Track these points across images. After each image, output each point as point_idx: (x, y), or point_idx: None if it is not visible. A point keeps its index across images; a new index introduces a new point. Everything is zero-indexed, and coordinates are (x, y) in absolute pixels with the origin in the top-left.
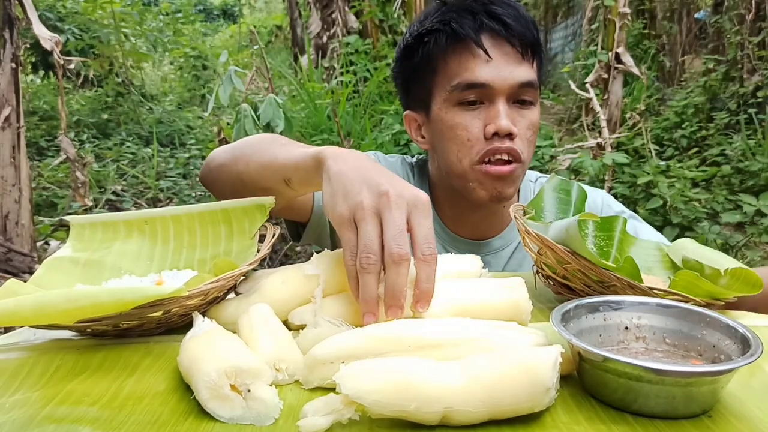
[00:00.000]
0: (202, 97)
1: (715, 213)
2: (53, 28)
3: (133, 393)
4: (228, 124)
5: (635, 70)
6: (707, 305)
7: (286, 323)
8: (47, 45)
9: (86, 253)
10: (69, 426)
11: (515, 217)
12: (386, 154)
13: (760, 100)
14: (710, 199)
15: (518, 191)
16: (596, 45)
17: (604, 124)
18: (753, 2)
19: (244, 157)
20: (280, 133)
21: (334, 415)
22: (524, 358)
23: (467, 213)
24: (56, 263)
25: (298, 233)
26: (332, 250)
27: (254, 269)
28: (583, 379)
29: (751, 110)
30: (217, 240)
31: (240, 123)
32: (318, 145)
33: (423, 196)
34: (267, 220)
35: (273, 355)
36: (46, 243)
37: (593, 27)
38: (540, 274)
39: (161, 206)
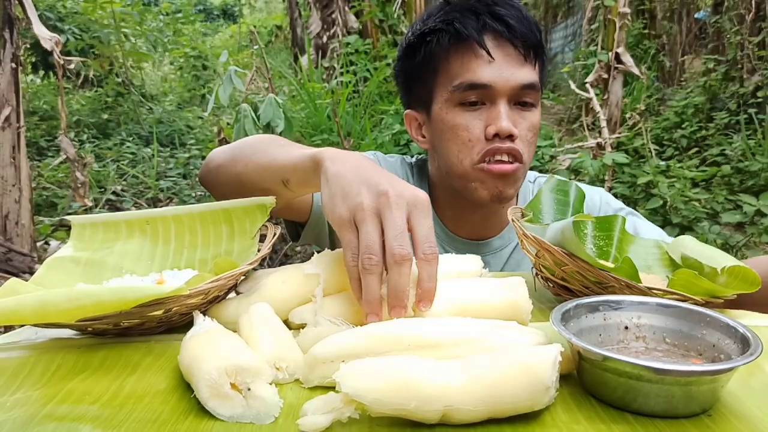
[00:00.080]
0: (202, 97)
1: (715, 213)
2: (53, 28)
3: (134, 392)
4: (228, 124)
5: (635, 70)
6: (706, 304)
7: (286, 322)
8: (47, 45)
9: (87, 253)
10: (70, 424)
11: (513, 221)
12: (386, 154)
13: (760, 100)
14: (710, 199)
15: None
16: (596, 45)
17: (604, 124)
18: (753, 2)
19: (243, 157)
20: (280, 134)
21: (334, 414)
22: (524, 357)
23: (467, 213)
24: (57, 263)
25: (297, 233)
26: (331, 249)
27: (255, 269)
28: (582, 379)
29: (751, 110)
30: (218, 240)
31: (240, 123)
32: (318, 145)
33: (422, 196)
34: (267, 220)
35: (273, 353)
36: (46, 243)
37: (593, 27)
38: (539, 276)
39: (161, 206)
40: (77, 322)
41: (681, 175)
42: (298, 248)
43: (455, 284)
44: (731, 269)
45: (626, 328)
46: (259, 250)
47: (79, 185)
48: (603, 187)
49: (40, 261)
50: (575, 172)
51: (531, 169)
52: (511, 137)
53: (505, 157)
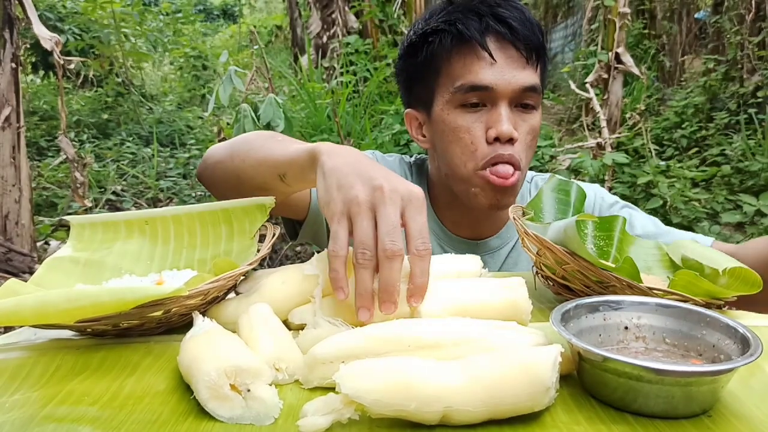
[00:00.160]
0: (202, 97)
1: (715, 213)
2: (53, 28)
3: (133, 392)
4: (228, 124)
5: (635, 70)
6: (706, 305)
7: (286, 323)
8: (47, 45)
9: (86, 253)
10: (69, 425)
11: (514, 219)
12: (385, 153)
13: (760, 100)
14: (710, 199)
15: None
16: (596, 45)
17: (604, 124)
18: (753, 2)
19: (241, 153)
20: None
21: (334, 415)
22: (524, 357)
23: (465, 213)
24: (56, 263)
25: (295, 231)
26: None
27: (254, 269)
28: (582, 379)
29: (751, 110)
30: (217, 240)
31: (240, 123)
32: None
33: (417, 191)
34: (267, 220)
35: (273, 354)
36: (46, 243)
37: (593, 27)
38: (539, 275)
39: (161, 206)
40: (76, 323)
41: (681, 175)
42: (298, 248)
43: (455, 284)
44: (732, 270)
45: (626, 328)
46: (258, 251)
47: (79, 185)
48: (603, 187)
49: (40, 261)
50: (575, 172)
51: (530, 169)
52: (511, 140)
53: (507, 168)
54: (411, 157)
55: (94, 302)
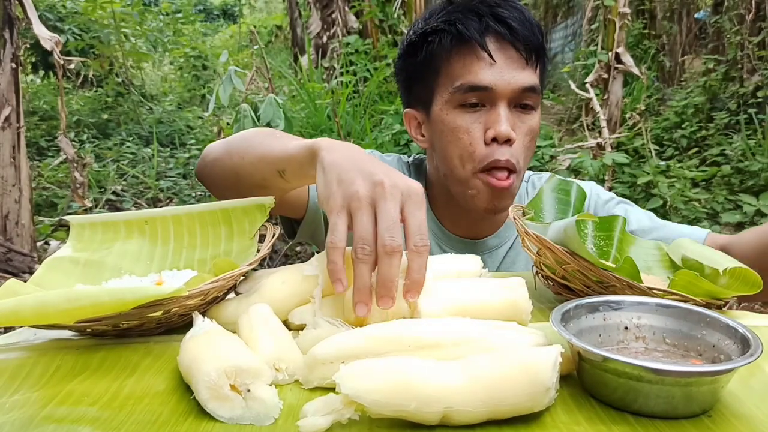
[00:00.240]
0: (202, 97)
1: (715, 213)
2: (53, 28)
3: (133, 393)
4: (228, 124)
5: (635, 70)
6: (706, 305)
7: (285, 323)
8: (47, 45)
9: (86, 253)
10: (69, 426)
11: (514, 218)
12: (389, 154)
13: (760, 100)
14: (710, 199)
15: None
16: (596, 45)
17: (604, 124)
18: (753, 2)
19: (240, 150)
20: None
21: (334, 415)
22: (524, 357)
23: (463, 213)
24: (56, 263)
25: (293, 230)
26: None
27: (254, 269)
28: (582, 379)
29: (751, 110)
30: (217, 240)
31: (240, 123)
32: None
33: (417, 187)
34: (267, 220)
35: (273, 354)
36: (46, 243)
37: (593, 27)
38: (539, 275)
39: (161, 206)
40: (76, 323)
41: (681, 175)
42: (298, 248)
43: (455, 284)
44: (732, 271)
45: (626, 328)
46: (258, 251)
47: (78, 186)
48: (603, 187)
49: (40, 261)
50: (575, 172)
51: (530, 168)
52: (508, 141)
53: (503, 173)
54: (409, 157)
55: (93, 302)
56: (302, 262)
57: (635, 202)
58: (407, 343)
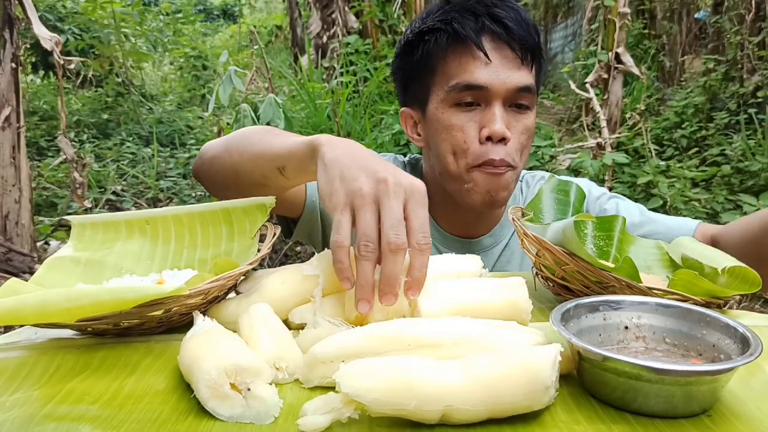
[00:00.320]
0: (202, 97)
1: (715, 213)
2: (53, 28)
3: (134, 392)
4: (228, 124)
5: (635, 70)
6: (706, 305)
7: (286, 322)
8: (47, 45)
9: (87, 253)
10: (69, 425)
11: (513, 219)
12: (386, 154)
13: (760, 100)
14: (710, 199)
15: None
16: (596, 45)
17: (604, 124)
18: (753, 2)
19: (238, 147)
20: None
21: (334, 414)
22: (524, 357)
23: (458, 212)
24: (57, 263)
25: (289, 230)
26: (323, 246)
27: (254, 269)
28: (582, 378)
29: (751, 110)
30: (217, 240)
31: (240, 123)
32: None
33: (420, 185)
34: (267, 220)
35: (273, 353)
36: (46, 243)
37: (593, 27)
38: (539, 276)
39: (161, 206)
40: (77, 322)
41: (681, 175)
42: (298, 248)
43: (455, 284)
44: (732, 270)
45: (626, 328)
46: (258, 250)
47: (78, 186)
48: (603, 187)
49: (40, 261)
50: (575, 172)
51: (531, 168)
52: (503, 140)
53: (498, 170)
54: (406, 156)
55: (94, 301)
56: (302, 262)
57: (635, 201)
58: (407, 342)
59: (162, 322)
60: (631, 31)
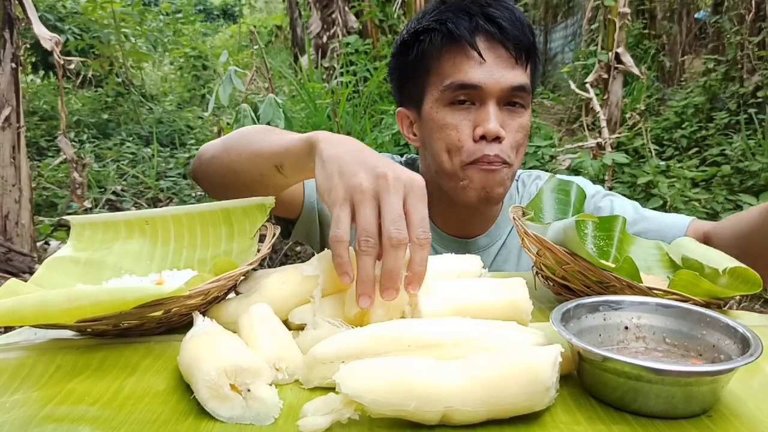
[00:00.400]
0: (202, 97)
1: (715, 213)
2: (53, 28)
3: (133, 392)
4: (228, 124)
5: (635, 70)
6: (706, 305)
7: (286, 323)
8: (47, 45)
9: (87, 253)
10: (69, 425)
11: (514, 219)
12: (383, 154)
13: (760, 100)
14: (710, 199)
15: None
16: (596, 45)
17: (604, 124)
18: (753, 2)
19: (237, 147)
20: None
21: (334, 415)
22: (524, 357)
23: (455, 211)
24: (57, 263)
25: (287, 230)
26: (321, 246)
27: (254, 269)
28: (582, 379)
29: (751, 110)
30: (217, 240)
31: (240, 123)
32: None
33: (419, 180)
34: (267, 221)
35: (273, 354)
36: (46, 243)
37: (593, 27)
38: (539, 275)
39: (161, 206)
40: (76, 323)
41: (681, 175)
42: (298, 248)
43: (455, 284)
44: (732, 270)
45: (626, 328)
46: (258, 251)
47: (77, 186)
48: (603, 187)
49: (40, 261)
50: (575, 172)
51: (531, 168)
52: (498, 139)
53: (493, 166)
54: (402, 156)
55: (94, 302)
56: (302, 262)
57: (636, 202)
58: (407, 342)
59: (162, 323)
60: (631, 31)
